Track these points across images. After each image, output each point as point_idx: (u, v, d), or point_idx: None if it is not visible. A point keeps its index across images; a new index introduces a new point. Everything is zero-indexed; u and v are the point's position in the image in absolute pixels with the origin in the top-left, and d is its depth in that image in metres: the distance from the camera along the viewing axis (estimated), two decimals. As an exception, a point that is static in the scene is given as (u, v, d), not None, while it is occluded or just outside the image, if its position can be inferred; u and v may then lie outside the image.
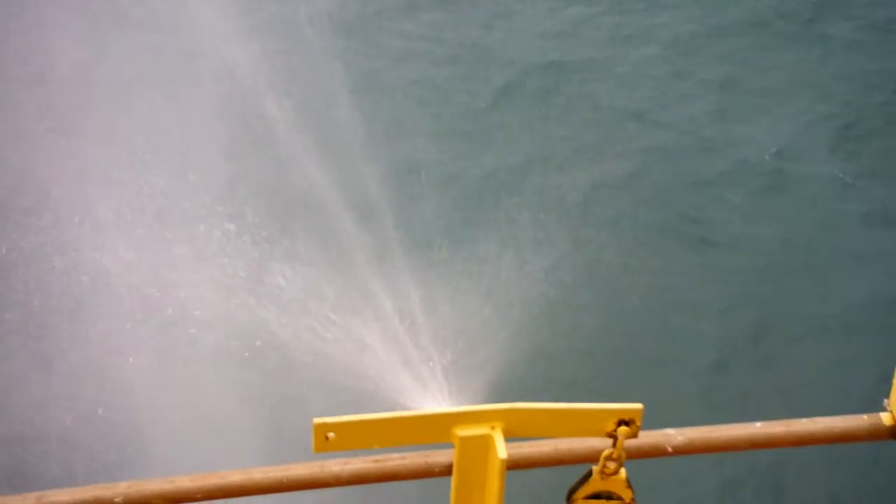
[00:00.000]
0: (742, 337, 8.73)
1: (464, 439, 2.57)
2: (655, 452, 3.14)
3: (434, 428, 2.59)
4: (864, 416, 3.18)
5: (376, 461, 3.16)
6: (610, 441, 2.64)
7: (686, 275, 9.14)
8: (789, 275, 9.21)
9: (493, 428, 2.57)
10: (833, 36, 11.54)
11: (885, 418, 3.14)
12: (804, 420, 3.20)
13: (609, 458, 2.59)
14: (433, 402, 7.57)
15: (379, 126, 10.12)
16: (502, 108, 10.75)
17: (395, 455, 3.17)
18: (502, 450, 2.54)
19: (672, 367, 8.56)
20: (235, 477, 2.92)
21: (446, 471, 2.90)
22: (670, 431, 3.18)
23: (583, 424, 2.60)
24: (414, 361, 7.76)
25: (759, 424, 3.20)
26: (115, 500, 2.83)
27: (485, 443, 2.57)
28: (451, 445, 2.65)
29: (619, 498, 2.62)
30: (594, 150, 10.31)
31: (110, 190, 8.95)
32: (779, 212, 9.70)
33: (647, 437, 3.14)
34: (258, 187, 9.25)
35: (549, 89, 10.95)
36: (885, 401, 3.15)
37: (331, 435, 2.54)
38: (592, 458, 2.81)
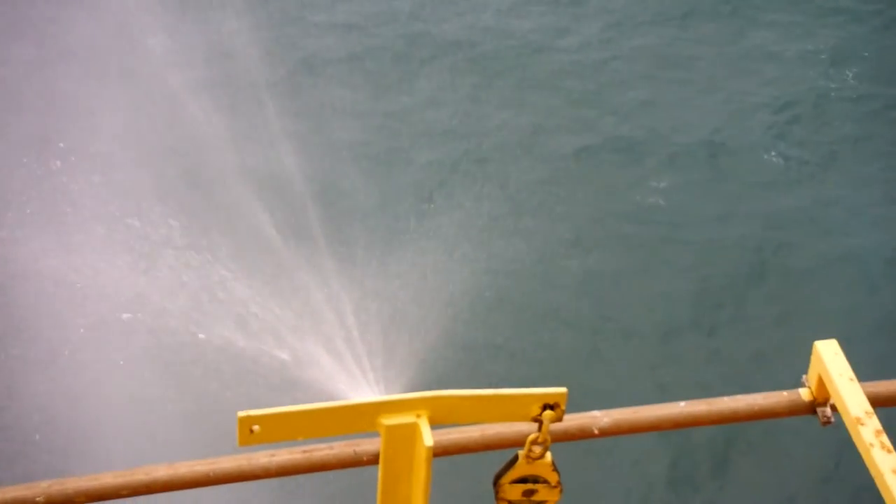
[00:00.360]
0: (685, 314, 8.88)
1: (389, 428, 2.57)
2: (582, 435, 3.18)
3: (359, 418, 2.58)
4: (784, 393, 3.25)
5: (304, 452, 3.15)
6: (536, 425, 2.66)
7: (628, 256, 9.24)
8: (726, 256, 9.35)
9: (418, 416, 2.57)
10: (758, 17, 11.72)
11: (803, 394, 3.21)
12: (726, 398, 3.26)
13: (535, 442, 2.61)
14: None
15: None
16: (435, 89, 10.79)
17: (324, 445, 3.16)
18: (428, 437, 2.55)
19: (616, 340, 8.68)
20: (160, 472, 2.89)
21: (375, 460, 2.90)
22: (596, 413, 3.22)
23: (508, 410, 2.61)
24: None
25: (682, 404, 3.25)
26: (37, 499, 2.78)
27: (411, 431, 2.57)
28: (378, 434, 2.65)
29: (545, 481, 2.64)
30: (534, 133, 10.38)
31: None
32: (714, 195, 9.82)
33: (574, 420, 3.18)
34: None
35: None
36: (804, 377, 3.22)
37: (255, 428, 2.52)
38: (520, 442, 2.83)
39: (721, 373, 8.45)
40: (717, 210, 9.63)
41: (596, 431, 3.18)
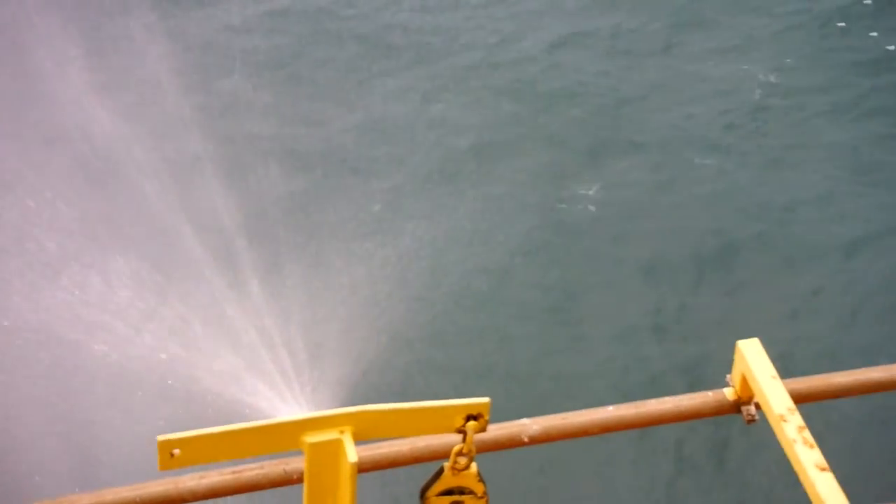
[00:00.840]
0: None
1: (313, 446, 2.55)
2: (511, 443, 3.19)
3: (282, 437, 2.57)
4: (710, 393, 3.29)
5: (233, 473, 3.12)
6: (461, 436, 2.66)
7: (561, 262, 9.30)
8: (664, 257, 9.44)
9: (342, 432, 2.56)
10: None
11: (728, 393, 3.25)
12: (653, 401, 3.29)
13: (459, 453, 2.61)
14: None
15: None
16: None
17: (253, 465, 3.14)
18: (352, 453, 2.54)
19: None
20: (85, 501, 2.85)
21: (304, 478, 2.88)
22: (525, 421, 3.23)
23: (432, 422, 2.61)
24: None
25: (611, 408, 3.28)
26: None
27: (334, 447, 2.56)
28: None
29: (472, 492, 2.65)
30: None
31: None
32: (648, 201, 9.90)
33: (503, 429, 3.19)
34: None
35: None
36: (728, 376, 3.26)
37: (176, 451, 2.49)
38: (448, 454, 2.84)
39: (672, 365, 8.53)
40: (651, 215, 9.71)
41: (525, 439, 3.20)
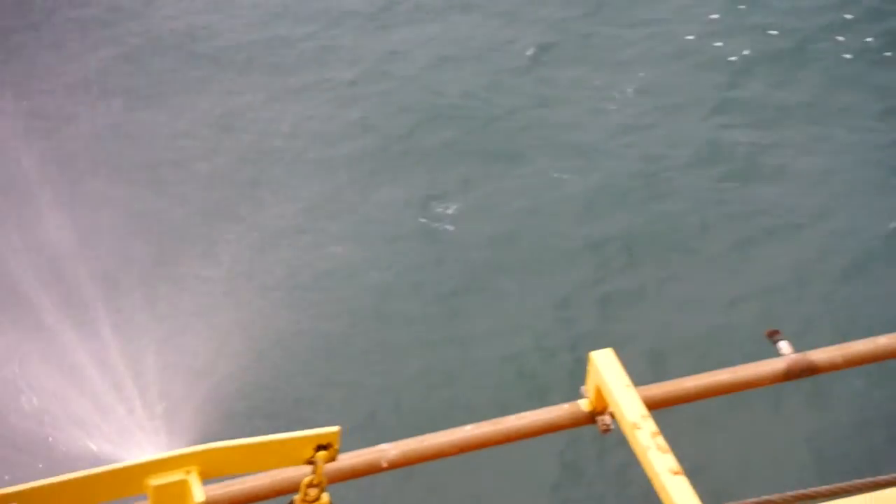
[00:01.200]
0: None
1: (157, 489, 2.49)
2: (370, 470, 3.16)
3: (125, 481, 2.49)
4: (566, 406, 3.31)
5: (83, 522, 3.01)
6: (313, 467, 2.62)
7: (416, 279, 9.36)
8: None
9: (188, 472, 2.50)
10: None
11: (583, 405, 3.28)
12: (511, 417, 3.30)
13: (310, 484, 2.57)
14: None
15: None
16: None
17: (104, 512, 3.04)
18: (199, 493, 2.48)
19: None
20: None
21: (157, 521, 2.80)
22: (384, 446, 3.20)
23: (280, 455, 2.57)
24: None
25: (469, 427, 3.27)
26: None
27: (180, 489, 2.50)
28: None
29: (325, 523, 2.61)
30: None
31: None
32: (503, 219, 10.01)
33: (361, 456, 3.16)
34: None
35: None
36: (582, 388, 3.29)
37: (13, 505, 2.39)
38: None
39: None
40: (519, 228, 9.83)
41: (384, 465, 3.17)
